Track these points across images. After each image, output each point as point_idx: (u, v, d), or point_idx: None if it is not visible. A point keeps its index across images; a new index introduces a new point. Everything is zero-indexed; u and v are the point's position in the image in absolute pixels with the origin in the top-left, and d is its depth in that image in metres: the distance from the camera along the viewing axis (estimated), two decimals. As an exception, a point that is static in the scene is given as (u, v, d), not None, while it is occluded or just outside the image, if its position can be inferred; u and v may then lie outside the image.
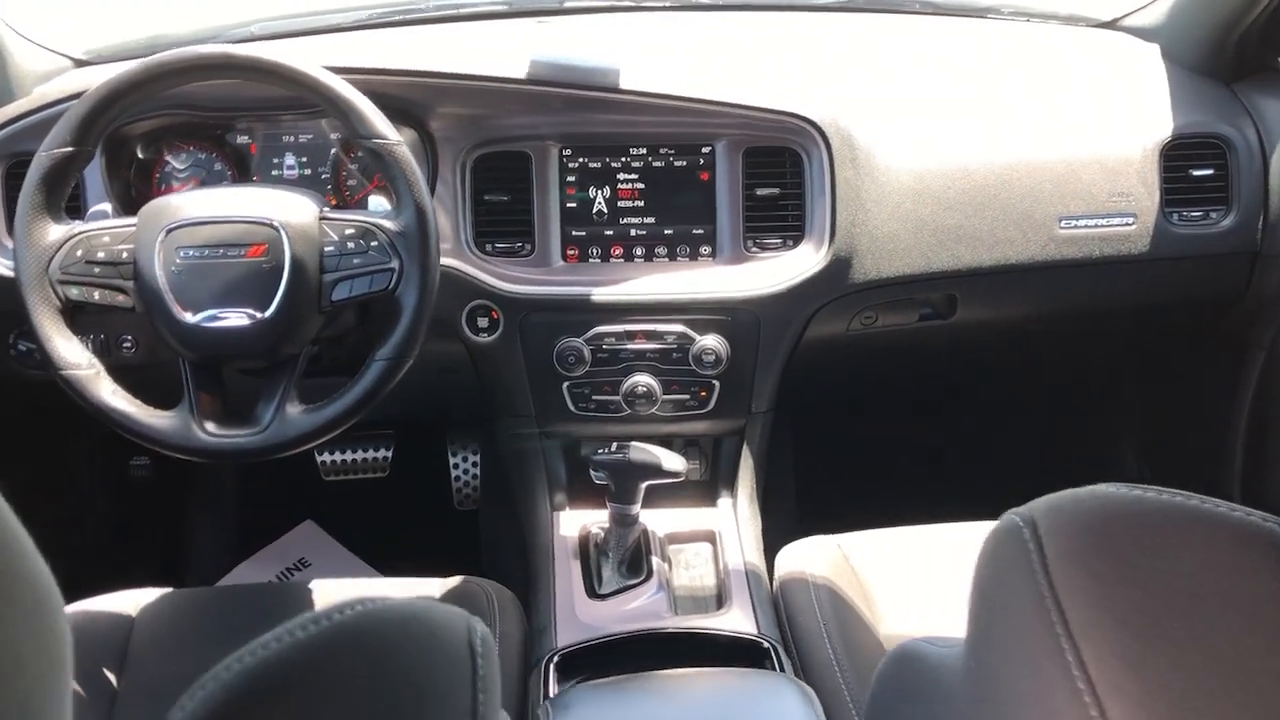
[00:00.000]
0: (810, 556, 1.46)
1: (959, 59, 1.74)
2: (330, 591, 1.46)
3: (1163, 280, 1.63)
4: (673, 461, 1.39)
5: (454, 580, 1.46)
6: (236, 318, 1.24)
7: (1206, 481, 1.81)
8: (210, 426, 1.25)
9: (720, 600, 1.41)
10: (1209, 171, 1.59)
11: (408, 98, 1.47)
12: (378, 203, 1.35)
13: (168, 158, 1.53)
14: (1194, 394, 1.85)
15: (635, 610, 1.37)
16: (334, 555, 2.19)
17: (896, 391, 1.98)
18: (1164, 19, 1.75)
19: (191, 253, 1.24)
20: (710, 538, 1.52)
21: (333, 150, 1.54)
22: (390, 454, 2.14)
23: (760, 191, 1.51)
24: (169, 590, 1.47)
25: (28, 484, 1.77)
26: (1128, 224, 1.56)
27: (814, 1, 1.99)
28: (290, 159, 1.54)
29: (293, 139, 1.54)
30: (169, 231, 1.24)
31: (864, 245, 1.50)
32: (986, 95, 1.64)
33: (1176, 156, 1.58)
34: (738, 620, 1.35)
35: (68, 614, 0.45)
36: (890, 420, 2.03)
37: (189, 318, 1.23)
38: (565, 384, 1.53)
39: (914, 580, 1.45)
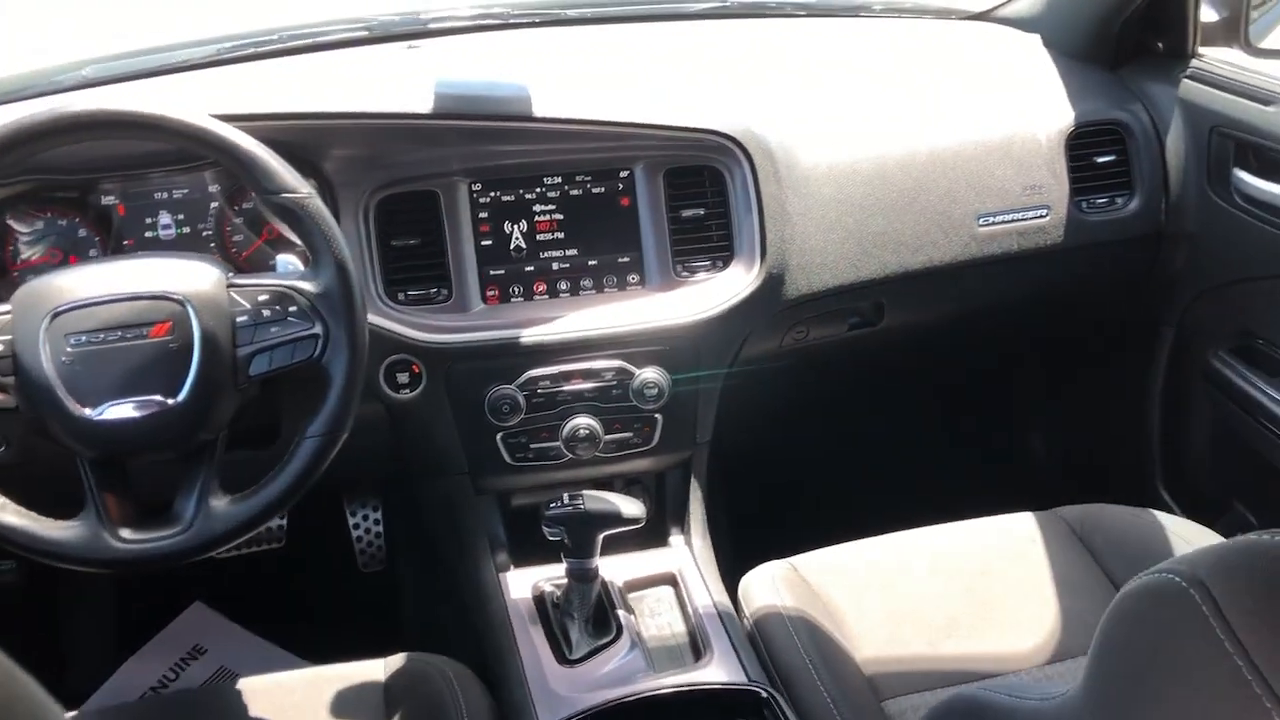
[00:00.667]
0: (773, 586, 1.41)
1: (850, 60, 1.72)
2: (266, 692, 1.31)
3: (1078, 268, 1.65)
4: (631, 507, 1.31)
5: (399, 660, 1.34)
6: (144, 407, 1.09)
7: (1127, 462, 1.85)
8: (125, 533, 1.10)
9: (697, 648, 1.34)
10: (1111, 157, 1.61)
11: (298, 142, 1.34)
12: (286, 262, 1.22)
13: (19, 228, 1.35)
14: (1108, 376, 1.89)
15: (613, 673, 1.27)
16: (232, 638, 2.02)
17: (828, 404, 1.95)
18: (1042, 8, 1.78)
19: (84, 339, 1.08)
20: (671, 580, 1.45)
21: (214, 205, 1.39)
22: (285, 522, 1.98)
23: (685, 213, 1.45)
24: (72, 715, 1.30)
25: None
26: (1042, 216, 1.57)
27: (685, 10, 1.93)
28: (165, 218, 1.39)
29: (165, 195, 1.38)
30: (54, 316, 1.08)
31: (794, 260, 1.46)
32: (889, 96, 1.62)
33: (1079, 145, 1.60)
34: (722, 669, 1.27)
35: None
36: (820, 433, 2.00)
37: (87, 413, 1.08)
38: (499, 434, 1.43)
39: (874, 597, 1.41)
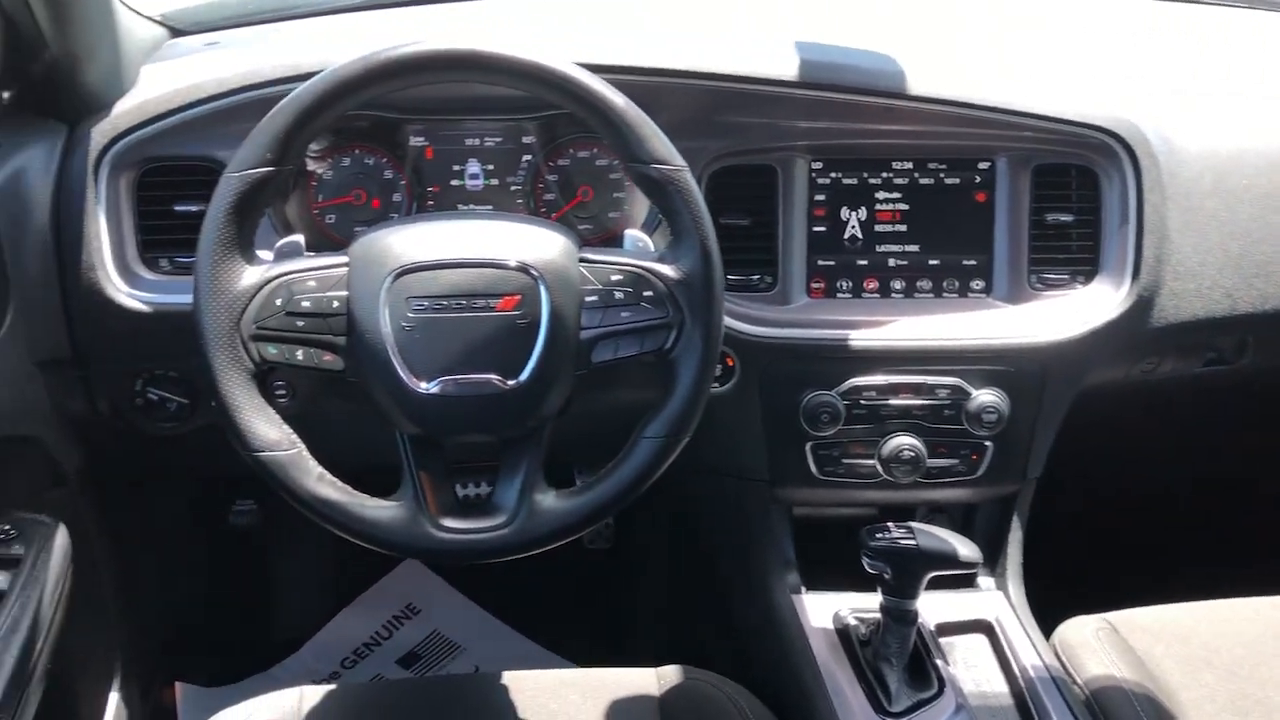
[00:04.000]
0: (1101, 648, 1.24)
1: (1228, 56, 1.50)
2: (528, 690, 1.20)
3: None
4: (966, 549, 1.15)
5: (671, 673, 1.21)
6: (479, 386, 0.98)
7: None
8: (446, 521, 0.99)
9: (1026, 712, 1.17)
10: None
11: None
12: (635, 238, 1.09)
13: (316, 169, 1.24)
14: None
15: (940, 737, 1.13)
16: (446, 600, 1.94)
17: (1155, 444, 1.74)
18: None
19: (426, 304, 0.97)
20: (986, 629, 1.29)
21: (526, 158, 1.27)
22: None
23: (1049, 218, 1.27)
24: (331, 688, 1.22)
25: (129, 535, 1.50)
26: None
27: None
28: (474, 166, 1.27)
29: (477, 143, 1.27)
30: (398, 276, 0.97)
31: (1167, 284, 1.27)
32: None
33: None
34: (1069, 746, 1.12)
35: None
36: (1142, 475, 1.79)
37: (422, 386, 0.96)
38: (810, 444, 1.28)
39: (1211, 674, 1.23)
